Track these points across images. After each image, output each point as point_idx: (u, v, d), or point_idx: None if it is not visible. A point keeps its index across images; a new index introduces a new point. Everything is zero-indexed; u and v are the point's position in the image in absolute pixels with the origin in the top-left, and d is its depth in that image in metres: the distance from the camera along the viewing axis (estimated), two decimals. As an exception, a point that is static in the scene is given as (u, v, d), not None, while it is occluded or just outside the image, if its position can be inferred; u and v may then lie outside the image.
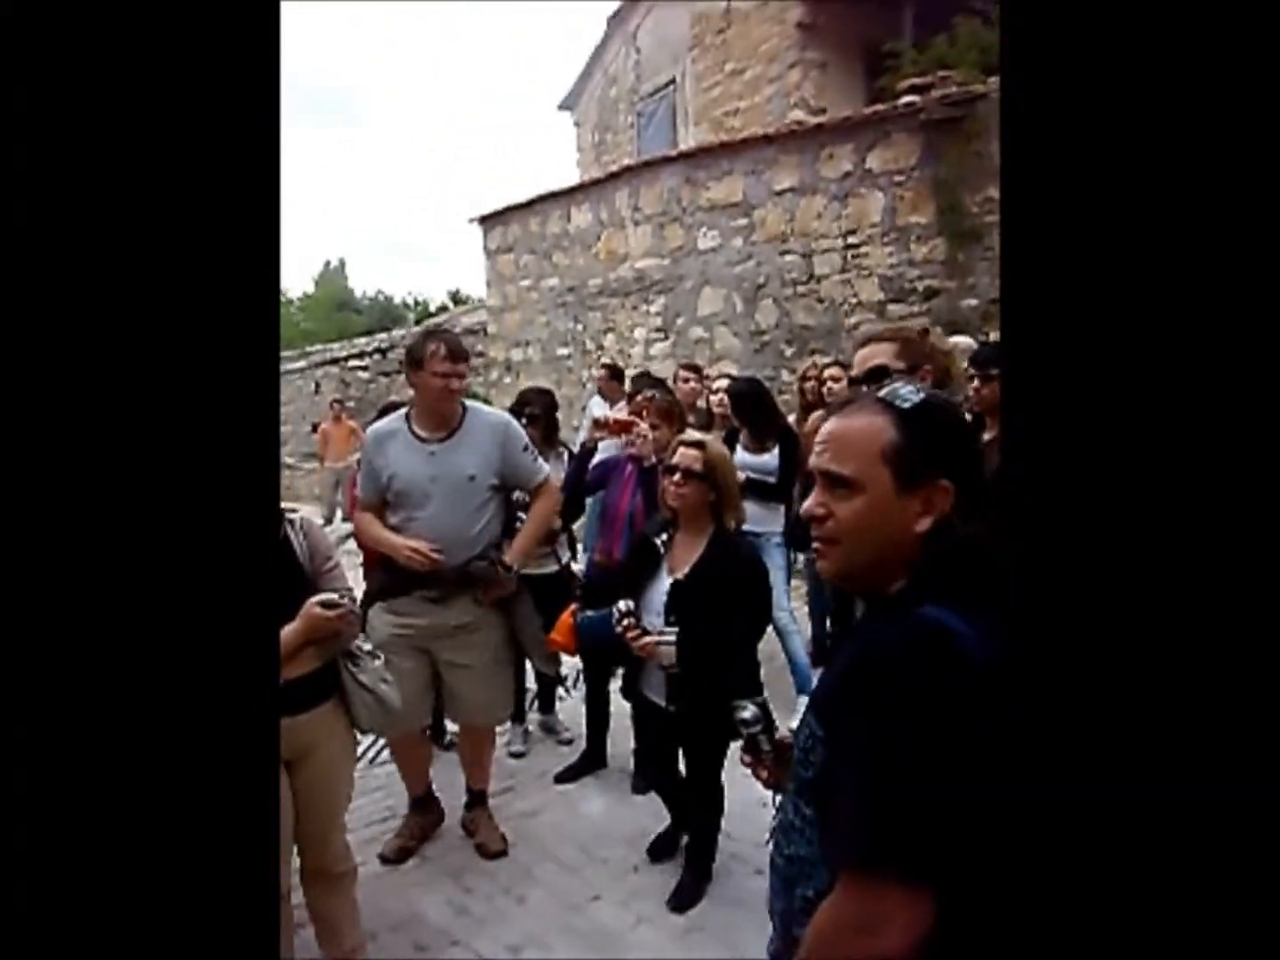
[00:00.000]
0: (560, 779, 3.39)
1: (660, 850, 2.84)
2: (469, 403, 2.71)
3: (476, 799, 3.02)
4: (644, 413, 3.27)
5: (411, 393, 2.72)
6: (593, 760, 3.46)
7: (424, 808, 2.98)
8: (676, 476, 2.49)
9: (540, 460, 2.85)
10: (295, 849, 2.15)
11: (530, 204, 9.44)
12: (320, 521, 7.47)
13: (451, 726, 3.37)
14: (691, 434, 2.69)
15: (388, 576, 2.69)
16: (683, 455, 2.51)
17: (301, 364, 12.85)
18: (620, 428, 3.15)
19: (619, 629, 2.47)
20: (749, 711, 1.37)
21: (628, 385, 5.04)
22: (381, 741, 3.43)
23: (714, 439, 2.74)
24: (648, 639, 2.44)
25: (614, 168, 9.04)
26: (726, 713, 1.41)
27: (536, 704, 3.85)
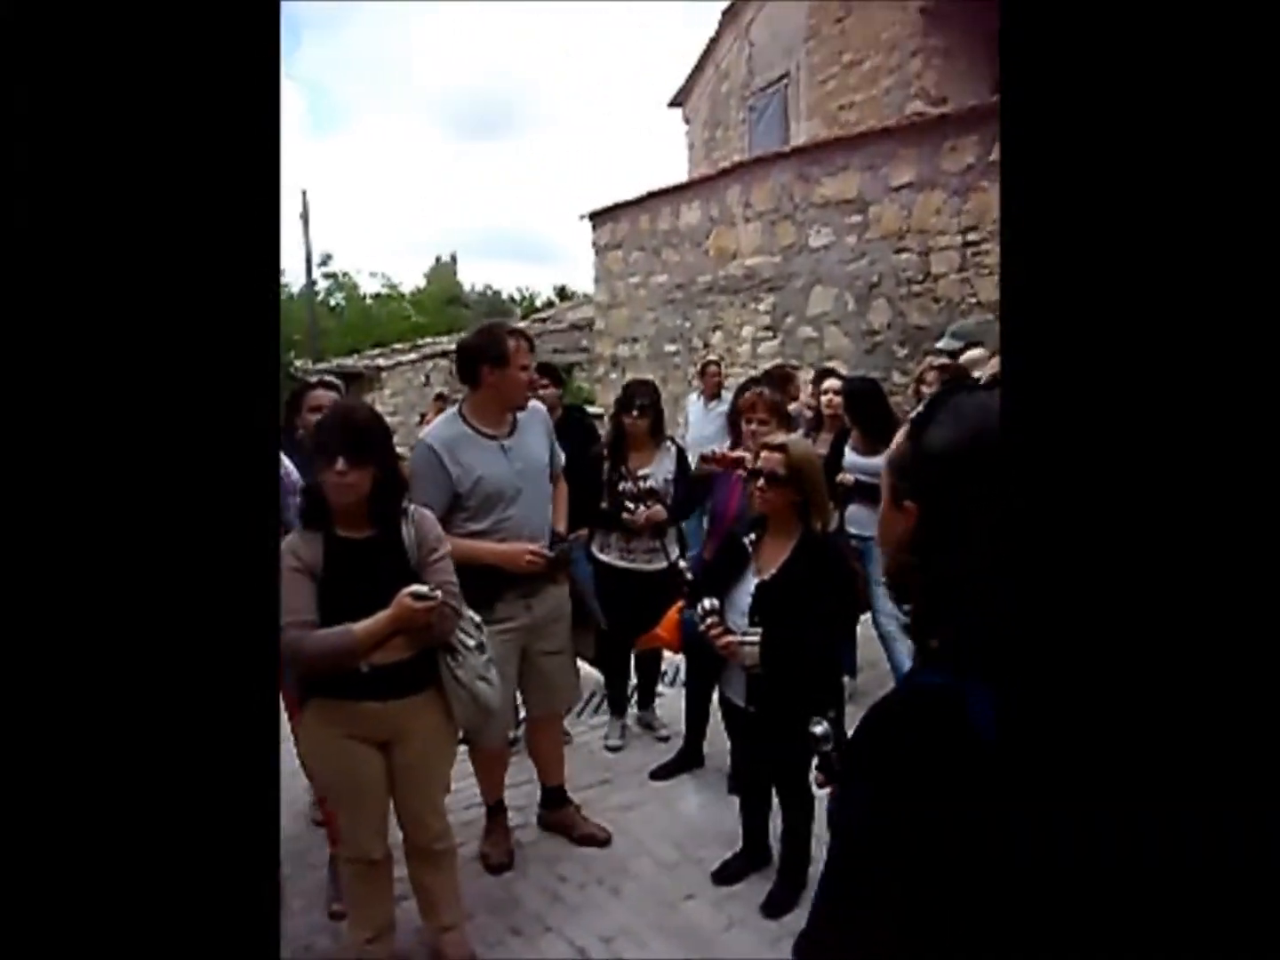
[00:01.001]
0: (656, 775, 3.39)
1: (726, 875, 2.73)
2: None
3: (560, 795, 2.98)
4: (753, 408, 3.26)
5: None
6: (690, 758, 3.44)
7: (501, 812, 2.90)
8: (760, 482, 2.45)
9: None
10: (397, 822, 2.23)
11: (640, 201, 9.50)
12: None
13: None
14: (775, 436, 2.65)
15: (470, 586, 2.38)
16: (766, 459, 2.47)
17: (412, 356, 13.34)
18: (728, 463, 3.23)
19: (702, 627, 2.45)
20: (821, 727, 1.34)
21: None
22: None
23: (796, 439, 2.69)
24: (730, 638, 2.42)
25: (725, 164, 8.99)
26: (803, 720, 1.38)
27: (635, 698, 3.87)
